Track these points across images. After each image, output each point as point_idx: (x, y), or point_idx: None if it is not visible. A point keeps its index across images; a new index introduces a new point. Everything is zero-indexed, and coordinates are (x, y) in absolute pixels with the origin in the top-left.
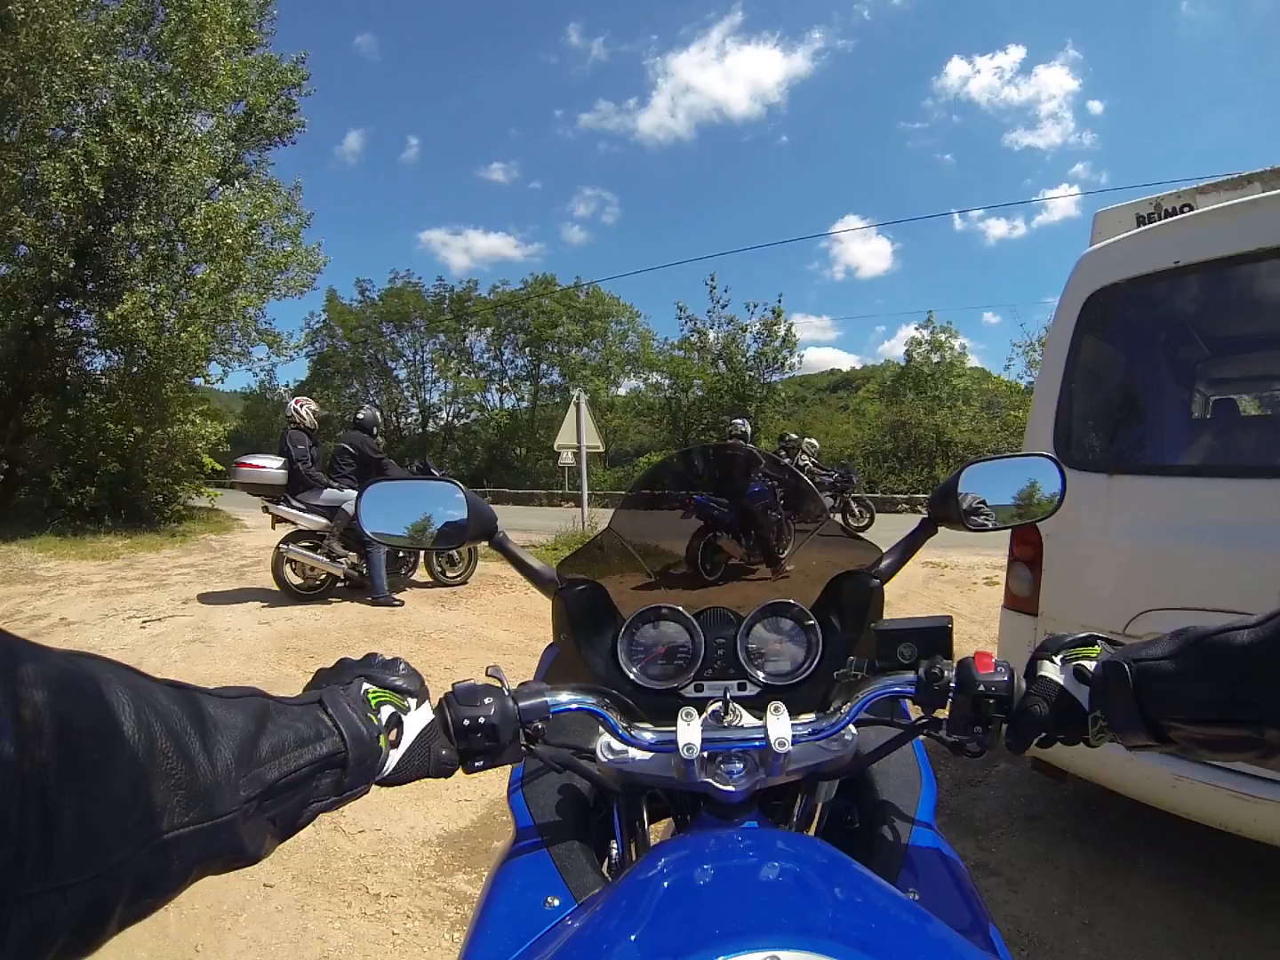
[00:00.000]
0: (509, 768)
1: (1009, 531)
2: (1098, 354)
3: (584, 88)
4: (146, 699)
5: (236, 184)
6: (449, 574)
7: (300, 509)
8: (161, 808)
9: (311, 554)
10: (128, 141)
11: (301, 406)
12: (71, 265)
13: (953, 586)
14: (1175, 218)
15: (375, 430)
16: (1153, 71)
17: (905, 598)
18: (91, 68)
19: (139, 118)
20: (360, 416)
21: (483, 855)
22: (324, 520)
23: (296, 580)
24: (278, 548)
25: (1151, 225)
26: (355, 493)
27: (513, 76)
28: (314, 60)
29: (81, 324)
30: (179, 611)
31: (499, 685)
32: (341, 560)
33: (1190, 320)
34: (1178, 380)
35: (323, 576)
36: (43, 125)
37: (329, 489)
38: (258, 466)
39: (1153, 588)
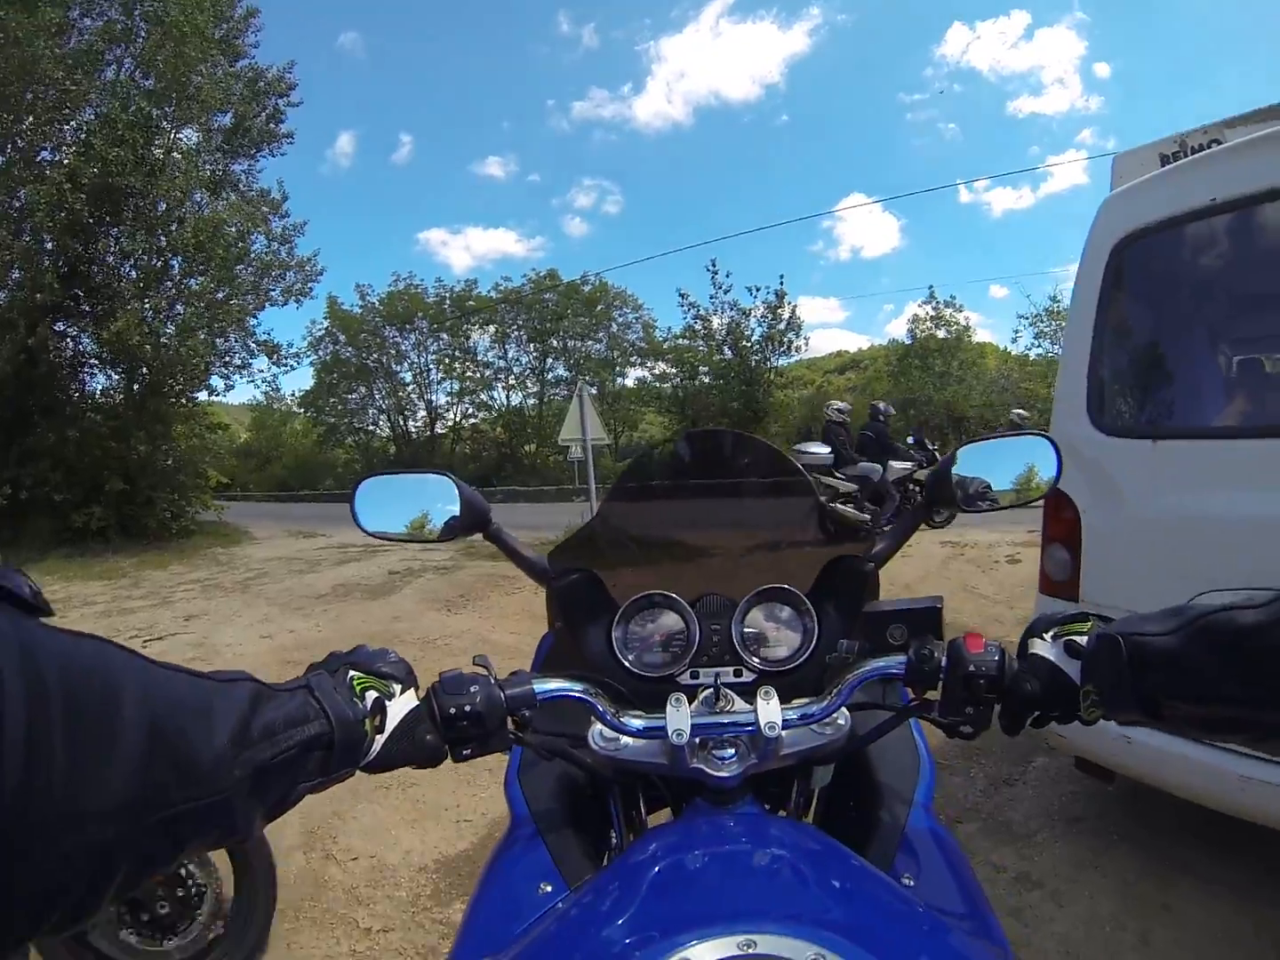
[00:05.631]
0: (506, 758)
1: (1041, 509)
2: (1130, 307)
3: (576, 76)
4: (149, 680)
5: (224, 194)
6: None
7: (842, 479)
8: (162, 784)
9: (848, 509)
10: (109, 156)
11: (832, 410)
12: (57, 286)
13: (973, 566)
14: (1209, 150)
15: (885, 419)
16: (1161, 29)
17: (924, 579)
18: (73, 87)
19: (119, 132)
20: (879, 408)
21: None
22: (854, 486)
23: None
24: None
25: (1180, 162)
26: (878, 466)
27: (503, 68)
28: (299, 62)
29: (82, 345)
30: (181, 629)
31: (485, 674)
32: (867, 516)
33: (1233, 263)
34: (1223, 331)
35: None
36: (29, 150)
37: (860, 464)
38: (813, 453)
39: (1212, 566)
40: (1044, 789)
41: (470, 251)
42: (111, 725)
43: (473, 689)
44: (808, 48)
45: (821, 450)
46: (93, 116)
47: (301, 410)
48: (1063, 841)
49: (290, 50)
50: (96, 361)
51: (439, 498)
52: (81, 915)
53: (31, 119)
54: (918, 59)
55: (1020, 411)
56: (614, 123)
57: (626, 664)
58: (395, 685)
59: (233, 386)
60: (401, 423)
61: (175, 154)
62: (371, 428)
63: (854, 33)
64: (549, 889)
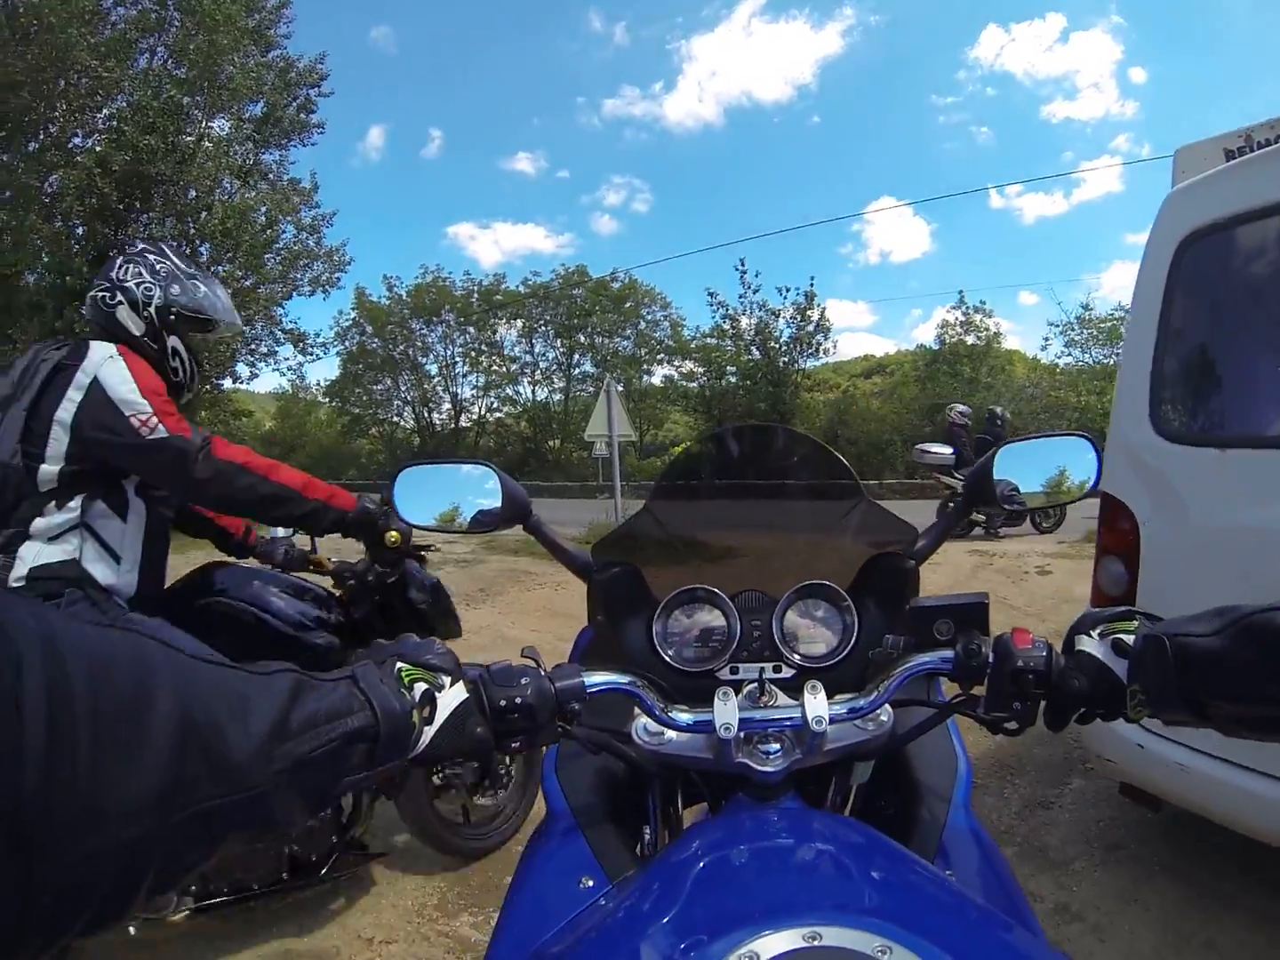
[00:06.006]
0: (542, 750)
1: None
2: (1196, 307)
3: (607, 74)
4: (184, 674)
5: (252, 182)
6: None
7: (961, 480)
8: (194, 780)
9: None
10: (140, 143)
11: (954, 413)
12: (86, 270)
13: (1003, 576)
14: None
15: (1002, 423)
16: (1200, 33)
17: (952, 589)
18: (106, 74)
19: (151, 120)
20: (996, 413)
21: (492, 893)
22: None
23: None
24: (945, 504)
25: (1252, 154)
26: None
27: (534, 64)
28: (331, 56)
29: None
30: None
31: (535, 666)
32: (983, 516)
33: None
34: None
35: None
36: (60, 136)
37: None
38: (936, 453)
39: None
40: (1082, 813)
41: (499, 246)
42: (141, 720)
43: (523, 681)
44: (840, 48)
45: (944, 450)
46: (124, 104)
47: (327, 400)
48: (1102, 870)
49: (322, 43)
50: None
51: (479, 489)
52: (108, 918)
53: (64, 105)
54: (951, 61)
55: None
56: (644, 121)
57: (667, 658)
58: (444, 677)
59: (258, 374)
60: (426, 415)
61: (206, 142)
62: (396, 419)
63: (887, 34)
64: (590, 883)
